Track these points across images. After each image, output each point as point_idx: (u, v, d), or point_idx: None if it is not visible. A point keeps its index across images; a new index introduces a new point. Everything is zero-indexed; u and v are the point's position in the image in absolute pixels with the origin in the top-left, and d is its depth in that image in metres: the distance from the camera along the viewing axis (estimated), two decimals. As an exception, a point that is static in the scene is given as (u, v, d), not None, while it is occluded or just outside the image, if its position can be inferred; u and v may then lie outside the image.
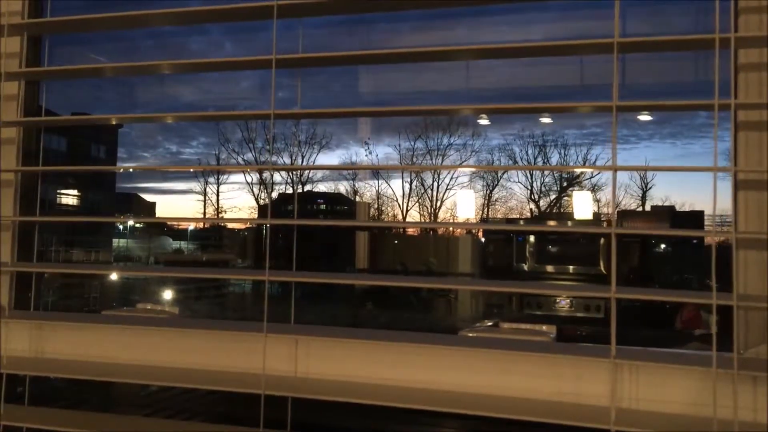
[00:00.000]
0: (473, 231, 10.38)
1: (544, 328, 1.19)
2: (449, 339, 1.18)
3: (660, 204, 13.60)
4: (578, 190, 13.18)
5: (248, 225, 12.98)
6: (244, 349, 1.23)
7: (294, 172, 14.36)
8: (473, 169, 14.71)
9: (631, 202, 13.63)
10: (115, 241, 13.63)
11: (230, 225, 15.42)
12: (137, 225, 14.01)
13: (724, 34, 0.98)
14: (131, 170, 2.69)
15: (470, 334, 1.20)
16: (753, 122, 1.08)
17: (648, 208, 13.72)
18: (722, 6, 1.01)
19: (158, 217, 13.23)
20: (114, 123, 1.53)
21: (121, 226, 13.25)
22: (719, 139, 0.99)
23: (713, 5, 1.01)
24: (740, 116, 1.08)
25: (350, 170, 14.46)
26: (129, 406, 1.64)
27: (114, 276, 8.33)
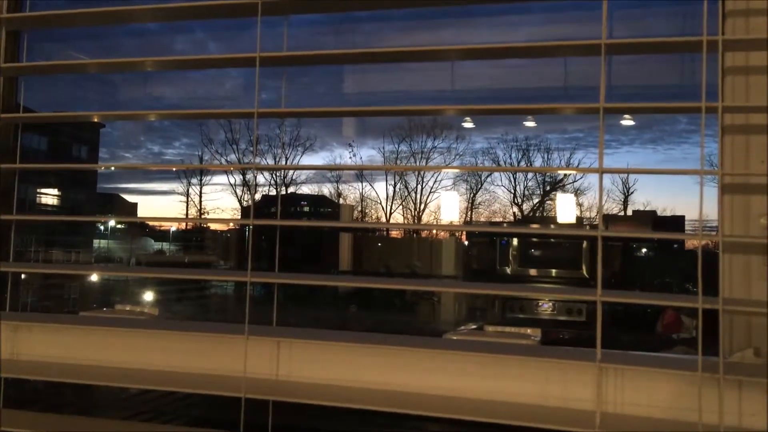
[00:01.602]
0: (457, 234, 10.40)
1: (529, 331, 1.18)
2: (433, 342, 1.17)
3: (642, 208, 13.70)
4: (561, 194, 13.24)
5: (231, 226, 12.91)
6: (225, 352, 1.21)
7: (278, 174, 14.31)
8: (457, 172, 14.77)
9: (613, 207, 13.72)
10: (96, 242, 13.49)
11: (213, 226, 15.31)
12: (119, 225, 13.88)
13: (711, 36, 0.97)
14: (112, 169, 2.65)
15: (455, 338, 1.19)
16: (738, 125, 1.08)
17: (630, 212, 13.81)
18: (709, 8, 1.00)
19: (140, 217, 13.13)
20: (96, 120, 1.51)
21: (102, 227, 13.13)
22: (700, 143, 0.99)
23: (700, 8, 1.00)
24: (726, 119, 1.08)
25: (334, 172, 14.40)
26: (108, 409, 1.62)
27: (94, 277, 8.24)
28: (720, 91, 1.01)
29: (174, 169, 15.61)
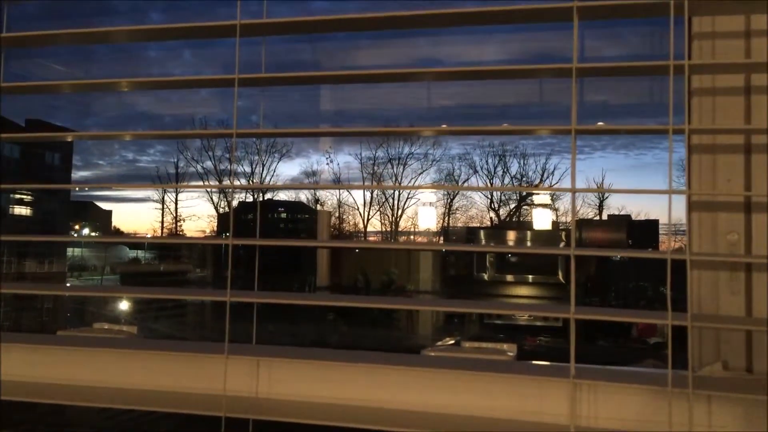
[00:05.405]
0: (434, 240, 10.44)
1: (505, 346, 1.21)
2: (412, 359, 1.18)
3: (616, 213, 13.86)
4: (537, 199, 13.36)
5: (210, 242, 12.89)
6: (205, 371, 1.22)
7: (254, 181, 14.26)
8: (434, 176, 14.94)
9: (588, 211, 13.86)
10: (70, 251, 13.34)
11: (189, 234, 15.24)
12: (93, 234, 13.75)
13: (678, 60, 1.00)
14: (87, 190, 2.63)
15: (433, 354, 1.20)
16: (705, 145, 1.12)
17: (605, 216, 13.96)
18: (676, 30, 1.03)
19: (120, 238, 13.06)
20: (70, 140, 1.51)
21: (75, 235, 12.99)
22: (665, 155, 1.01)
23: (666, 29, 1.03)
24: (693, 139, 1.11)
25: (311, 177, 14.44)
26: (86, 429, 1.61)
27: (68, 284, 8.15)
28: (687, 112, 1.04)
29: (150, 188, 15.51)
